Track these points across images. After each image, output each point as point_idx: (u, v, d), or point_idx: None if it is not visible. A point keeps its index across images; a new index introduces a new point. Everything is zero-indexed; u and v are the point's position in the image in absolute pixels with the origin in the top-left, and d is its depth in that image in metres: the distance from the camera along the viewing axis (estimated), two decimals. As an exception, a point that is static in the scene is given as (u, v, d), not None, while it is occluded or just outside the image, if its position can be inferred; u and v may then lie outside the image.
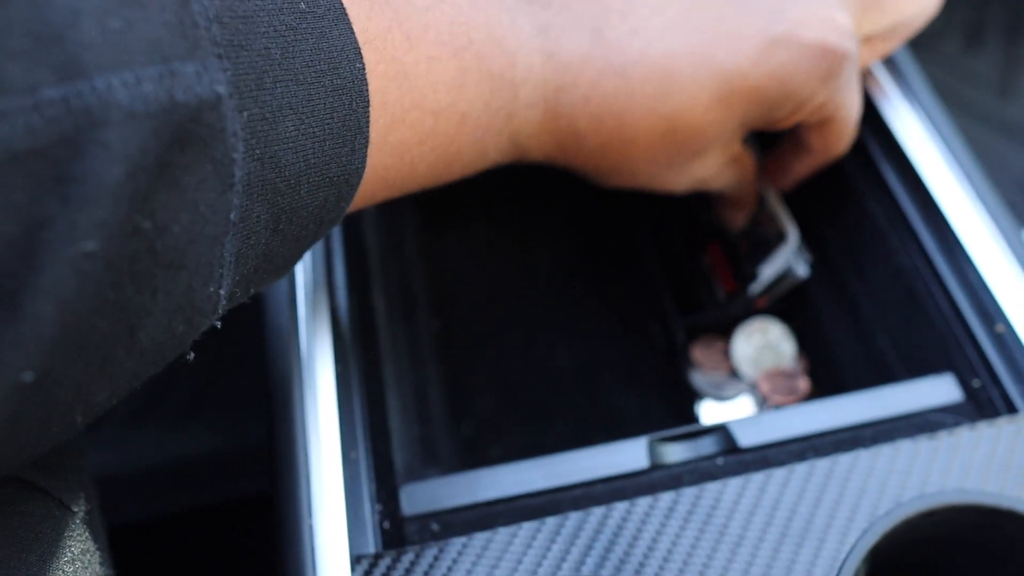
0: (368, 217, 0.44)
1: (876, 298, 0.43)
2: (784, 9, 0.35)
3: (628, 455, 0.35)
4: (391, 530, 0.33)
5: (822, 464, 0.32)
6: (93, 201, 0.18)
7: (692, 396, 0.48)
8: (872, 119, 0.43)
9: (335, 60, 0.25)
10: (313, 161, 0.25)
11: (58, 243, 0.18)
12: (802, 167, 0.43)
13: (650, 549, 0.31)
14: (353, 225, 0.42)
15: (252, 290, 0.26)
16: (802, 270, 0.45)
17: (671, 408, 0.49)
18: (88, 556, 0.28)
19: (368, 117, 0.27)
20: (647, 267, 0.52)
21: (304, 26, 0.24)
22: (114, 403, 0.23)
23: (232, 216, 0.22)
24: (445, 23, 0.30)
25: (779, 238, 0.45)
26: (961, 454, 0.33)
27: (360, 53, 0.26)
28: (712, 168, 0.40)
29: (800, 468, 0.32)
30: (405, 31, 0.29)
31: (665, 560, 0.30)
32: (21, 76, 0.17)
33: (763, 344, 0.48)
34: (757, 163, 0.44)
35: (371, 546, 0.32)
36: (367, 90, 0.26)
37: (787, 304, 0.49)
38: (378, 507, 0.34)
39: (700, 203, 0.50)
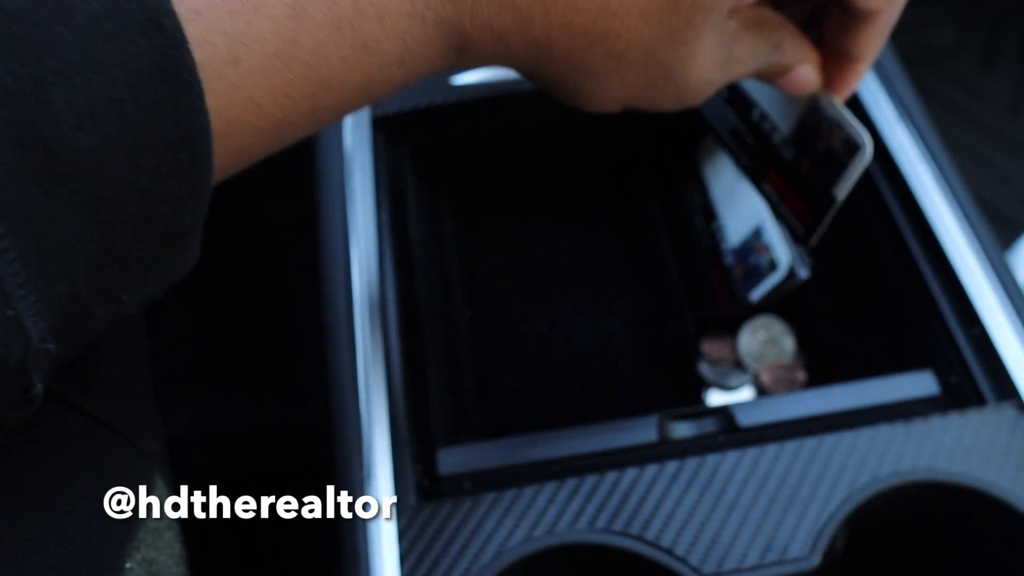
0: (412, 215, 0.48)
1: (870, 302, 0.48)
2: None
3: (640, 430, 0.40)
4: (429, 486, 0.38)
5: (809, 442, 0.37)
6: None
7: (700, 384, 0.53)
8: (872, 137, 0.47)
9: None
10: (111, 133, 0.19)
11: None
12: (861, 44, 0.34)
13: (656, 508, 0.35)
14: (399, 221, 0.47)
15: (104, 284, 0.21)
16: (803, 273, 0.49)
17: (680, 394, 0.53)
18: (159, 491, 0.33)
19: (192, 64, 0.20)
20: (663, 265, 0.57)
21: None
22: None
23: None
24: None
25: (851, 148, 0.37)
26: (933, 439, 0.37)
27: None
28: (728, 42, 0.31)
29: (790, 445, 0.37)
30: None
31: (668, 518, 0.35)
32: None
33: (767, 339, 0.53)
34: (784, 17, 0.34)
35: (412, 498, 0.37)
36: (177, 28, 0.20)
37: (790, 304, 0.53)
38: (418, 466, 0.39)
39: None
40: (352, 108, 0.26)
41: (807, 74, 0.34)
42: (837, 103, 0.36)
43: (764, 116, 0.40)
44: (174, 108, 0.20)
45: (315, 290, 0.43)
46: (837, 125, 0.36)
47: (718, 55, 0.30)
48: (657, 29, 0.28)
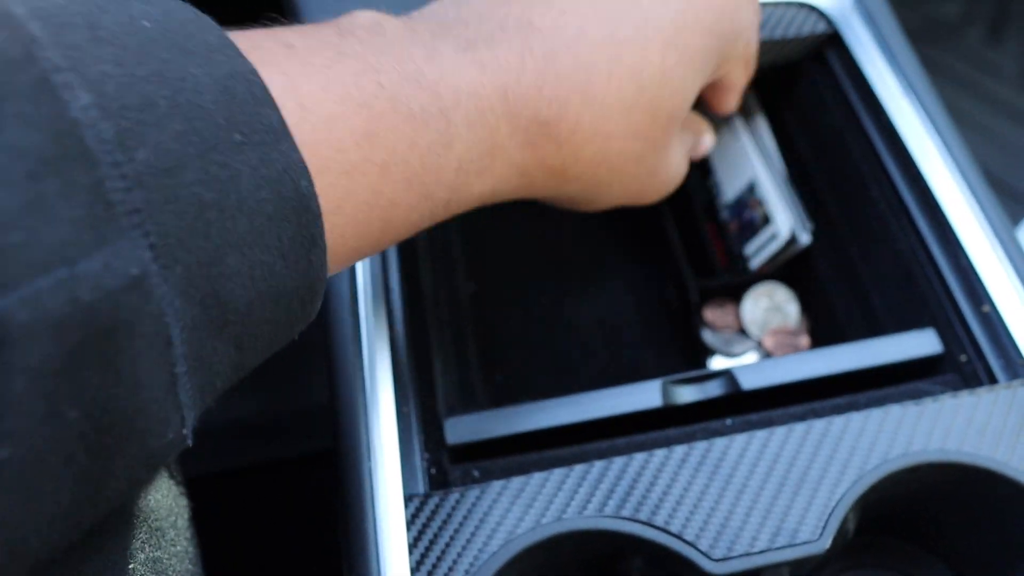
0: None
1: (876, 279, 0.47)
2: None
3: (645, 395, 0.40)
4: (437, 475, 0.38)
5: (819, 424, 0.37)
6: None
7: (704, 352, 0.52)
8: (876, 113, 0.46)
9: (277, 183, 0.24)
10: (263, 287, 0.24)
11: None
12: (732, 99, 0.47)
13: (664, 494, 0.35)
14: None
15: (231, 382, 0.26)
16: (805, 238, 0.49)
17: (684, 363, 0.53)
18: (169, 484, 0.33)
19: (322, 230, 0.26)
20: (665, 234, 0.56)
21: (240, 158, 0.23)
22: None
23: (177, 369, 0.22)
24: (349, 76, 0.29)
25: (764, 221, 0.50)
26: (944, 419, 0.37)
27: (307, 170, 0.25)
28: (679, 140, 0.41)
29: (799, 427, 0.37)
30: (299, 99, 0.27)
31: (678, 503, 0.35)
32: None
33: (770, 306, 0.52)
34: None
35: (420, 487, 0.37)
36: (318, 206, 0.25)
37: (793, 270, 0.53)
38: (426, 455, 0.38)
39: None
40: (404, 237, 0.32)
41: (708, 140, 0.47)
42: (767, 183, 0.50)
43: (717, 184, 0.54)
44: (308, 266, 0.25)
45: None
46: (759, 203, 0.51)
47: (681, 149, 0.42)
48: (643, 142, 0.37)
